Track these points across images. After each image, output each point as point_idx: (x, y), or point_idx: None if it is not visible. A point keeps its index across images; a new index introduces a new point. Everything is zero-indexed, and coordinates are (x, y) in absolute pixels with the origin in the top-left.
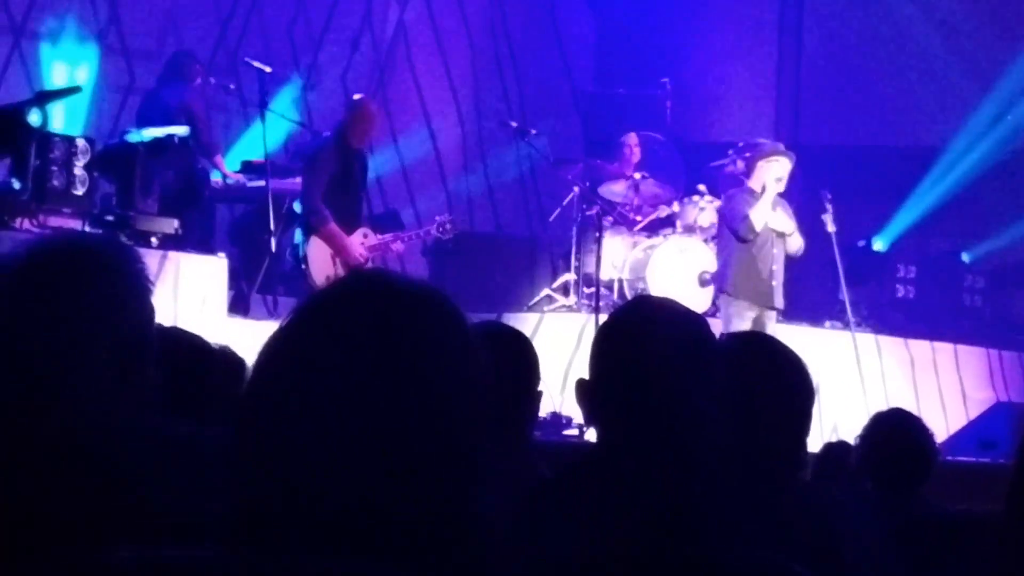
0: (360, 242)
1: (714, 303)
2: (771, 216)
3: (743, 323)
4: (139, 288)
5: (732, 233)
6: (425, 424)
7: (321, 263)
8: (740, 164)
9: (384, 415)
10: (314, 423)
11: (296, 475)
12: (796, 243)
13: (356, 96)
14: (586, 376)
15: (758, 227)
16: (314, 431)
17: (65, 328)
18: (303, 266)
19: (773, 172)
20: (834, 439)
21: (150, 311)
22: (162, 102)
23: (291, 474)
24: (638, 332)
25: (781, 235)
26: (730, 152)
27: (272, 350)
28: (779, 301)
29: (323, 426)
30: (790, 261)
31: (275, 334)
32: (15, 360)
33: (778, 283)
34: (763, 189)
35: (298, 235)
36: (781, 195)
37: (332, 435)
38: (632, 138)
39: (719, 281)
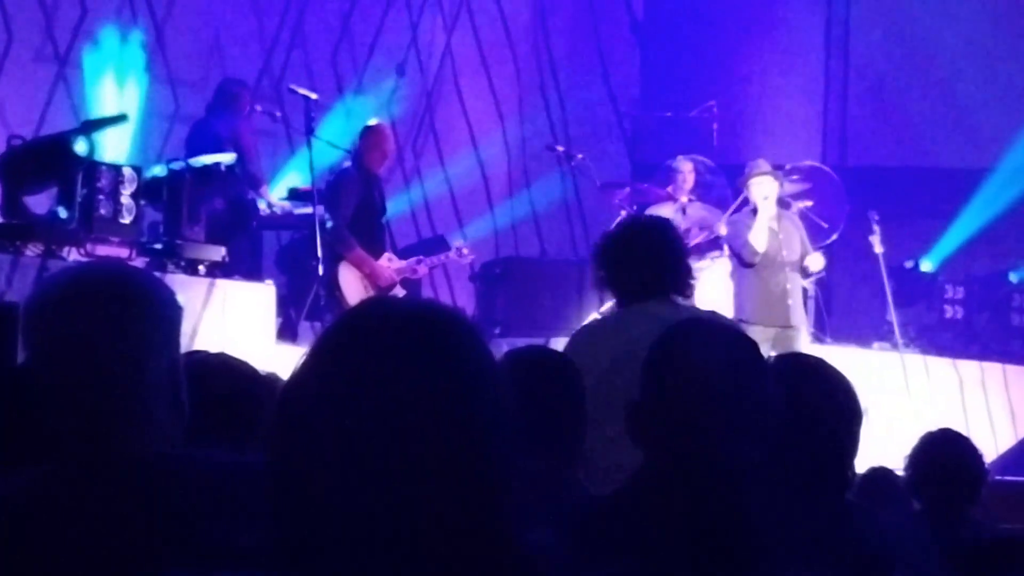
0: (386, 266)
1: None
2: (781, 239)
3: (764, 347)
4: (177, 317)
5: (737, 260)
6: (451, 447)
7: (354, 289)
8: (787, 187)
9: (410, 439)
10: (341, 453)
11: (325, 505)
12: (815, 263)
13: (371, 121)
14: (636, 400)
15: (760, 248)
16: (340, 462)
17: (124, 356)
18: (337, 293)
19: (759, 192)
20: (882, 460)
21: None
22: (212, 131)
23: (322, 504)
24: (688, 352)
25: (791, 252)
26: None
27: (297, 380)
28: (798, 319)
29: (349, 456)
30: (811, 279)
31: (300, 363)
32: (79, 386)
33: (794, 301)
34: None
35: (325, 264)
36: (791, 213)
37: (357, 465)
38: (686, 164)
39: (736, 309)
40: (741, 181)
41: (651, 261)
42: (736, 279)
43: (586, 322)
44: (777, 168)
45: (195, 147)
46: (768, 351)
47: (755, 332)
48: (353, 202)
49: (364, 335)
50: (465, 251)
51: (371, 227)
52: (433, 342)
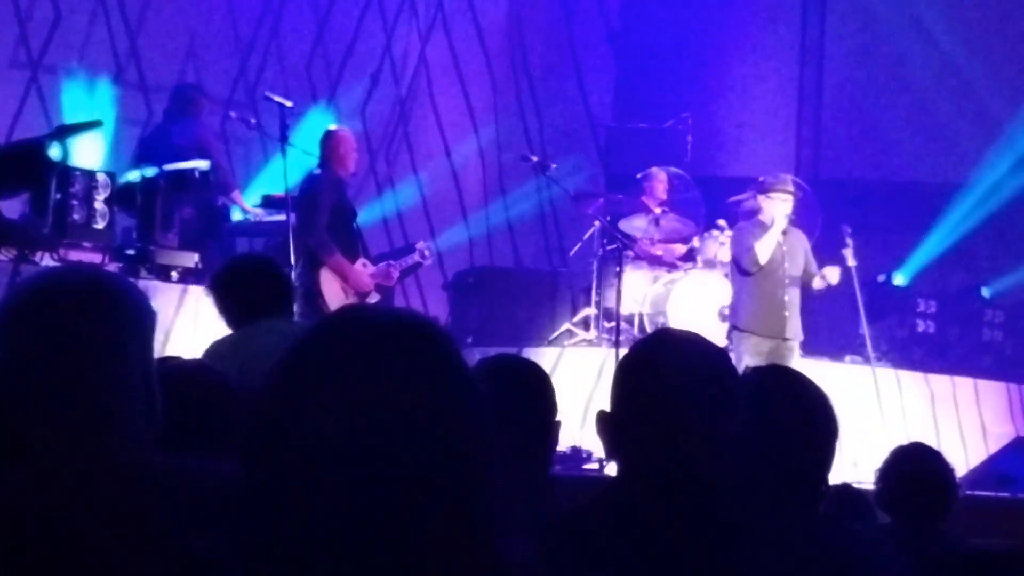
0: (361, 271)
1: (728, 337)
2: (784, 251)
3: (757, 358)
4: (151, 323)
5: (736, 266)
6: (429, 454)
7: (335, 295)
8: (750, 202)
9: (385, 448)
10: (317, 460)
11: (301, 513)
12: (833, 276)
13: (330, 126)
14: (607, 409)
15: (762, 260)
16: (317, 469)
17: (97, 361)
18: (319, 301)
19: (780, 208)
20: (854, 474)
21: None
22: (172, 138)
23: (297, 512)
24: (660, 365)
25: (794, 266)
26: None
27: (273, 387)
28: (793, 331)
29: (326, 463)
30: (813, 293)
31: (275, 369)
32: (51, 391)
33: (791, 313)
34: (772, 223)
35: (303, 270)
36: (798, 229)
37: (334, 472)
38: (660, 174)
39: (732, 316)
40: (759, 190)
41: (264, 285)
42: (736, 287)
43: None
44: (749, 181)
45: (156, 154)
46: (761, 362)
47: (750, 341)
48: (328, 207)
49: (341, 343)
50: (427, 252)
51: (345, 232)
52: (409, 349)
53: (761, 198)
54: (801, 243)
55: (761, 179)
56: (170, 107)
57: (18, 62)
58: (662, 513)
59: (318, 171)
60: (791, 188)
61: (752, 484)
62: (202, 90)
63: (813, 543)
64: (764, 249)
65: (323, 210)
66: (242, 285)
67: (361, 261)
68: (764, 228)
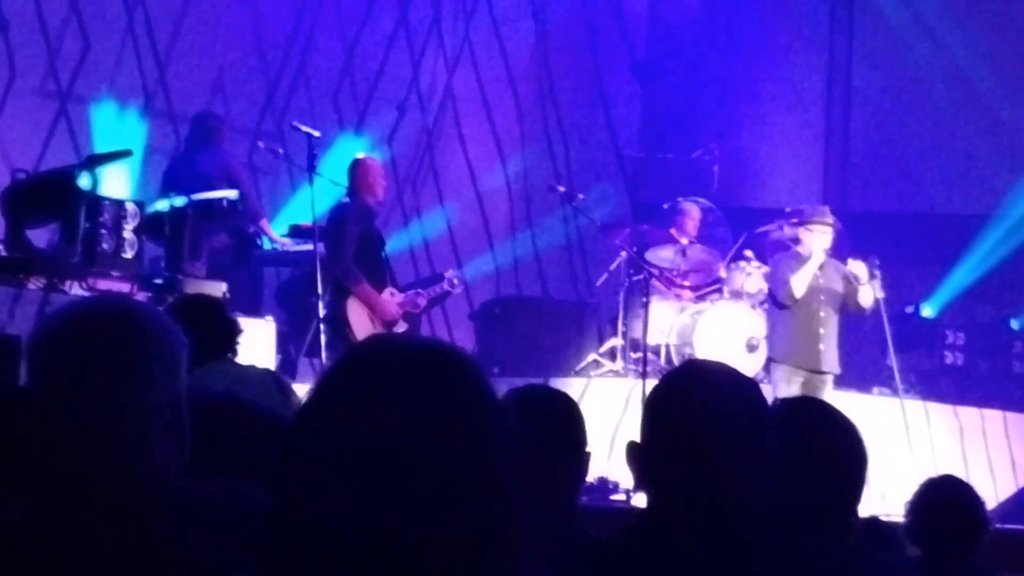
0: (389, 300)
1: (764, 368)
2: (822, 282)
3: (791, 388)
4: (181, 352)
5: (771, 298)
6: (457, 484)
7: (362, 325)
8: (787, 230)
9: (413, 477)
10: (347, 487)
11: (330, 539)
12: (867, 299)
13: (359, 155)
14: (636, 439)
15: (798, 293)
16: (347, 496)
17: (127, 388)
18: (346, 330)
19: (819, 241)
20: (882, 506)
21: (183, 375)
22: (199, 167)
23: (327, 538)
24: (689, 395)
25: (830, 298)
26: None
27: (304, 414)
28: (828, 365)
29: (356, 490)
30: (852, 323)
31: (307, 397)
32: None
33: (827, 346)
34: (810, 256)
35: (330, 299)
36: (835, 259)
37: (363, 500)
38: (693, 210)
39: (768, 348)
40: (798, 222)
41: (208, 327)
42: (771, 319)
43: None
44: (776, 212)
45: (183, 183)
46: (794, 393)
47: (784, 372)
48: (355, 237)
49: (371, 371)
50: (456, 281)
51: (373, 261)
52: (439, 378)
53: (800, 230)
54: (839, 272)
55: (792, 209)
56: (192, 136)
57: (47, 92)
58: (691, 544)
59: (346, 200)
60: (830, 220)
61: (781, 515)
62: (220, 118)
63: (842, 575)
64: (801, 282)
65: (350, 239)
66: (185, 328)
67: (389, 290)
68: (801, 260)
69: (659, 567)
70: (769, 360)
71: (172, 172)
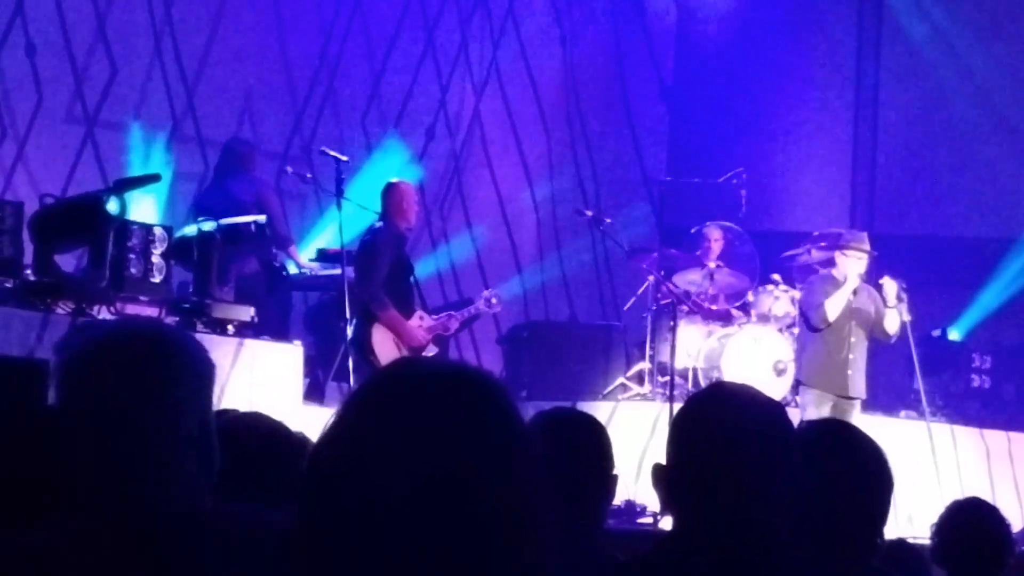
0: (418, 325)
1: (793, 390)
2: (853, 307)
3: (820, 412)
4: (210, 375)
5: (804, 320)
6: (484, 508)
7: (387, 350)
8: (815, 254)
9: (439, 500)
10: (373, 511)
11: (356, 564)
12: (893, 325)
13: (392, 180)
14: (663, 461)
15: (831, 317)
16: (372, 520)
17: (156, 410)
18: (371, 356)
19: (854, 267)
20: (909, 529)
21: (211, 398)
22: (232, 193)
23: (353, 563)
24: (716, 418)
25: (861, 323)
26: (806, 243)
27: (329, 438)
28: (856, 390)
29: (381, 515)
30: (887, 341)
31: (331, 421)
32: (110, 439)
33: (855, 372)
34: (845, 280)
35: (357, 324)
36: (868, 285)
37: (389, 524)
38: (715, 232)
39: (796, 370)
40: (836, 245)
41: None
42: (801, 341)
43: None
44: (804, 236)
45: (215, 209)
46: (824, 415)
47: (812, 395)
48: (387, 262)
49: (396, 395)
50: (494, 300)
51: (402, 287)
52: (464, 402)
53: (836, 253)
54: (872, 299)
55: (820, 233)
56: (222, 163)
57: (74, 117)
58: (717, 567)
59: (379, 224)
60: (866, 247)
61: (807, 538)
62: (251, 143)
63: None
64: (834, 307)
65: (381, 265)
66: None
67: (418, 315)
68: (835, 283)
69: None
70: (797, 383)
71: (202, 198)
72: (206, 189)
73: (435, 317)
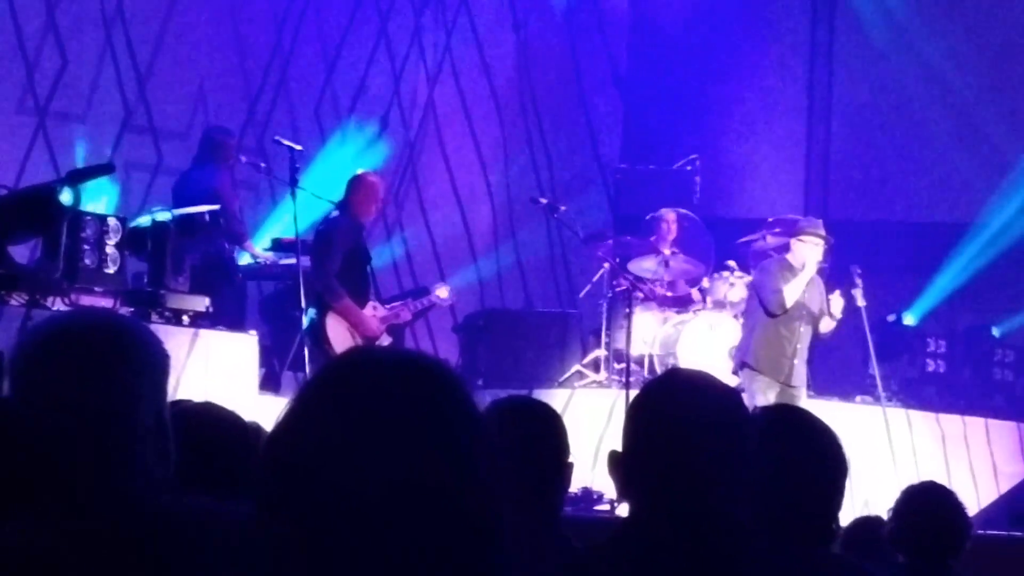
0: (372, 315)
1: (735, 373)
2: (806, 296)
3: (767, 399)
4: (164, 365)
5: (762, 306)
6: (437, 496)
7: (342, 339)
8: (770, 239)
9: (393, 489)
10: (328, 500)
11: (313, 552)
12: (828, 325)
13: (359, 171)
14: (619, 448)
15: (788, 303)
16: (328, 509)
17: (111, 403)
18: (326, 346)
19: (812, 253)
20: (865, 513)
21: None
22: (196, 182)
23: (309, 551)
24: (671, 404)
25: (810, 313)
26: (761, 229)
27: (283, 427)
28: (799, 379)
29: (337, 503)
30: (817, 340)
31: (285, 410)
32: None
33: (800, 361)
34: (802, 267)
35: (312, 313)
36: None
37: (345, 512)
38: (670, 214)
39: (741, 353)
40: (791, 231)
41: None
42: (749, 325)
43: None
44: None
45: (180, 199)
46: (771, 400)
47: (760, 382)
48: (342, 252)
49: (349, 383)
50: (446, 294)
51: (358, 276)
52: (418, 390)
53: (793, 240)
54: (819, 289)
55: (775, 219)
56: (197, 151)
57: (26, 108)
58: (673, 553)
59: (336, 214)
60: (823, 232)
61: (762, 523)
62: (229, 132)
63: None
64: (792, 293)
65: (336, 255)
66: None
67: (372, 304)
68: (790, 269)
69: (643, 574)
70: (743, 366)
71: (173, 189)
72: (177, 180)
73: (388, 307)
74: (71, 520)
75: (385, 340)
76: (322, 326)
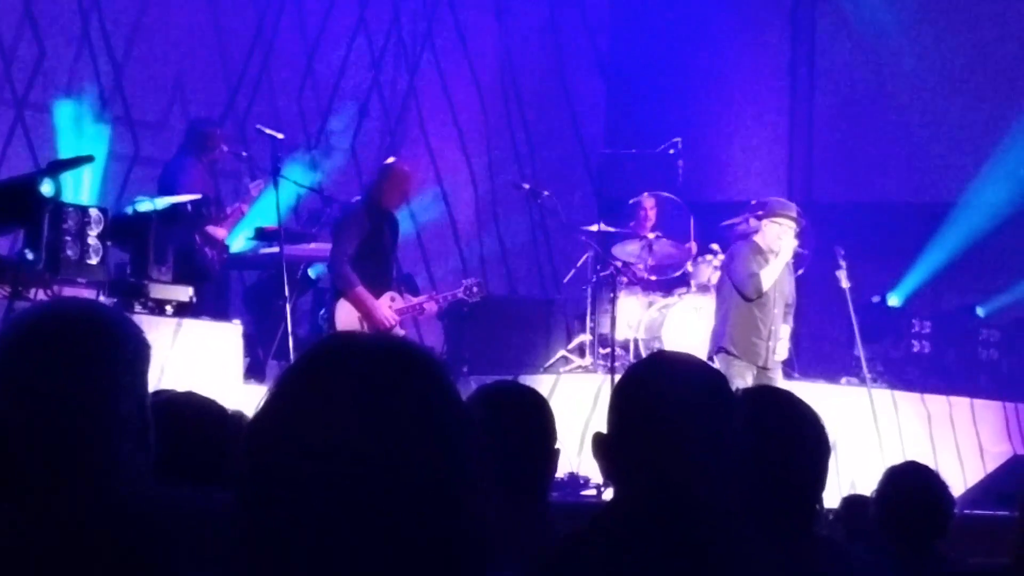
0: (388, 305)
1: (710, 358)
2: (778, 283)
3: (745, 383)
4: (146, 355)
5: (738, 291)
6: (419, 483)
7: (349, 327)
8: (753, 223)
9: (375, 476)
10: (309, 488)
11: (294, 541)
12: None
13: (389, 160)
14: (604, 431)
15: (765, 287)
16: (309, 497)
17: (92, 393)
18: (332, 331)
19: (787, 237)
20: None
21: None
22: (175, 173)
23: (290, 540)
24: (656, 386)
25: (783, 298)
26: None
27: (263, 415)
28: (772, 361)
29: (318, 491)
30: (818, 313)
31: (265, 397)
32: (46, 423)
33: (775, 343)
34: (777, 250)
35: (327, 301)
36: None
37: (326, 500)
38: (648, 200)
39: (716, 338)
40: (763, 214)
41: None
42: (724, 309)
43: None
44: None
45: (161, 189)
46: (749, 384)
47: (738, 366)
48: (357, 239)
49: (330, 370)
50: (475, 288)
51: (376, 265)
52: (399, 376)
53: (765, 222)
54: (791, 273)
55: (757, 201)
56: (183, 142)
57: (3, 99)
58: (657, 535)
59: (357, 199)
60: (794, 215)
61: (747, 505)
62: (213, 123)
63: (809, 565)
64: (769, 277)
65: (349, 242)
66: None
67: (389, 295)
68: (759, 252)
69: (627, 558)
70: (718, 350)
71: (160, 178)
72: (163, 168)
73: (409, 299)
74: (49, 511)
75: (399, 332)
76: (332, 313)
